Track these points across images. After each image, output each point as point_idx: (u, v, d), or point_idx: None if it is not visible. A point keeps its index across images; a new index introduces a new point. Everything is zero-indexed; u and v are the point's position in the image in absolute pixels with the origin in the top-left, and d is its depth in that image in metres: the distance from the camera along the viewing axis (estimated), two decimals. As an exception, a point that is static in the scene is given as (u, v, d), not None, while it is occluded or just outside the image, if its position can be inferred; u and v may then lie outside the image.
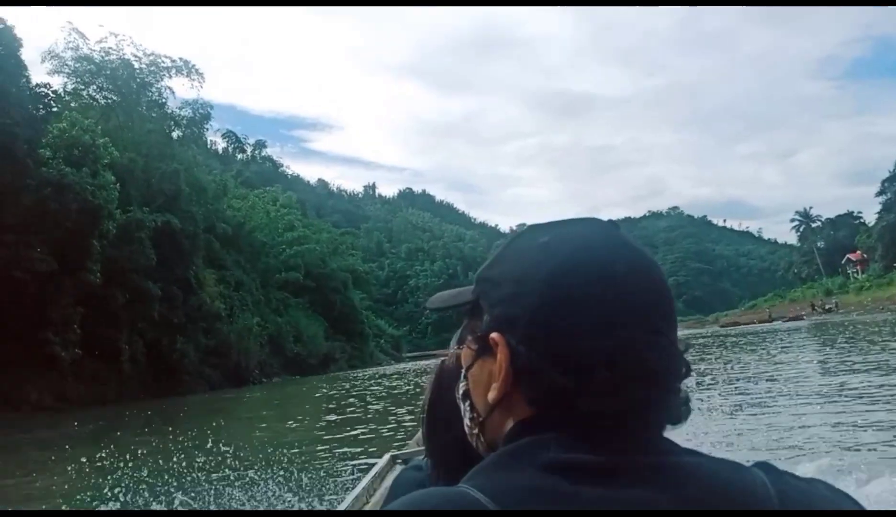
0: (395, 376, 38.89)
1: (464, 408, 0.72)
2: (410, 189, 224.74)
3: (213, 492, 6.29)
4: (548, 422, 0.60)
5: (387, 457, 3.56)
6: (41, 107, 28.79)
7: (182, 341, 36.34)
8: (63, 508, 7.81)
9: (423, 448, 3.11)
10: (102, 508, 6.38)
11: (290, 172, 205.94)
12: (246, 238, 48.65)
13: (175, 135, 46.53)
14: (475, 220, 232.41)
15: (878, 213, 72.29)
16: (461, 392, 0.73)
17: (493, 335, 0.63)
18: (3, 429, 24.79)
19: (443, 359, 1.18)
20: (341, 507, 2.84)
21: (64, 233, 26.79)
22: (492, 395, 0.65)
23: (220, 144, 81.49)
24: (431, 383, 1.18)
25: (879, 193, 71.79)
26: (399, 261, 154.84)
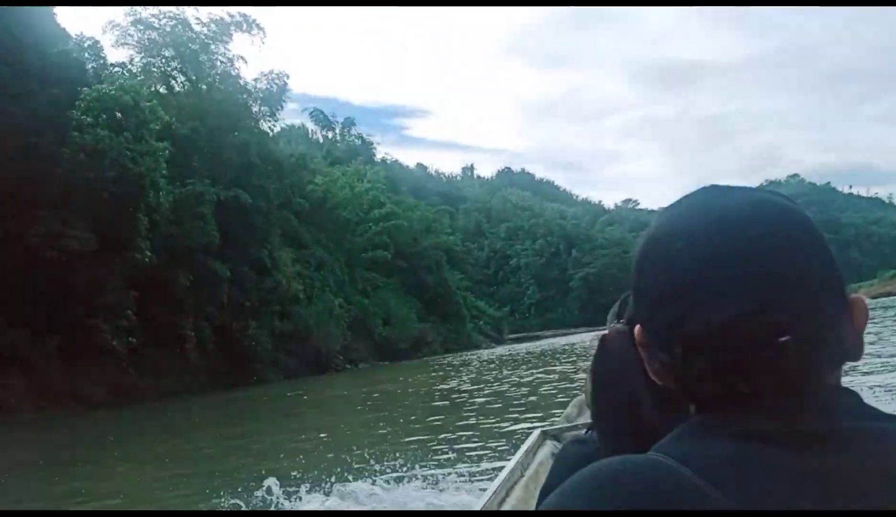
0: (494, 361, 33.73)
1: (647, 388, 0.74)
2: (509, 168, 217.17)
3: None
4: (710, 403, 0.58)
5: (537, 432, 3.62)
6: (84, 70, 25.60)
7: (254, 326, 32.68)
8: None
9: (573, 424, 3.63)
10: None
11: (388, 157, 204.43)
12: (329, 214, 44.73)
13: (255, 109, 43.25)
14: (577, 197, 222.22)
15: None
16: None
17: (636, 329, 0.64)
18: (63, 429, 21.64)
19: (604, 334, 1.10)
20: (496, 482, 2.84)
21: (103, 206, 23.35)
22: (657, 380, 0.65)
23: (309, 125, 78.15)
24: (594, 358, 1.10)
25: None
26: (499, 241, 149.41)
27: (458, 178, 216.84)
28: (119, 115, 24.43)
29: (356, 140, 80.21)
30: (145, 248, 25.16)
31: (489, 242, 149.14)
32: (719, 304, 0.55)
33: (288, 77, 44.15)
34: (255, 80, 42.75)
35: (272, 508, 6.12)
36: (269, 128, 43.02)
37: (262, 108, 43.69)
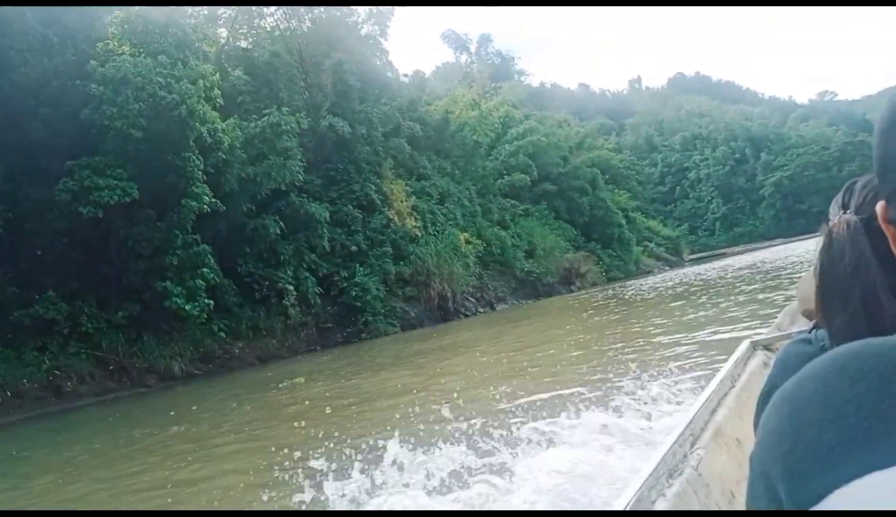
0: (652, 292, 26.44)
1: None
2: (682, 74, 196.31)
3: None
4: None
5: (746, 343, 3.51)
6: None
7: (362, 273, 27.97)
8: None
9: (785, 333, 3.46)
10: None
11: (535, 77, 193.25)
12: (452, 138, 38.72)
13: (363, 31, 38.04)
14: (763, 95, 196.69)
15: None
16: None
17: (878, 206, 0.60)
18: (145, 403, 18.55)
19: (831, 226, 1.04)
20: (706, 392, 2.74)
21: (139, 146, 19.33)
22: None
23: (444, 49, 71.94)
24: (821, 252, 1.05)
25: None
26: (674, 154, 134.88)
27: (625, 92, 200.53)
28: (150, 38, 20.02)
29: (495, 59, 72.68)
30: (203, 194, 20.85)
31: (662, 157, 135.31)
32: None
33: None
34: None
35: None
36: (373, 48, 37.46)
37: (372, 28, 38.35)
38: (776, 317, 4.26)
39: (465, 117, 40.69)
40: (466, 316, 30.59)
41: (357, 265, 28.17)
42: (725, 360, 3.31)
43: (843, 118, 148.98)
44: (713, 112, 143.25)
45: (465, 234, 33.07)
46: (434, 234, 32.20)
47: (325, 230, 27.45)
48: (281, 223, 25.91)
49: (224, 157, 22.53)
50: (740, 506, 2.11)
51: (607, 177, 61.47)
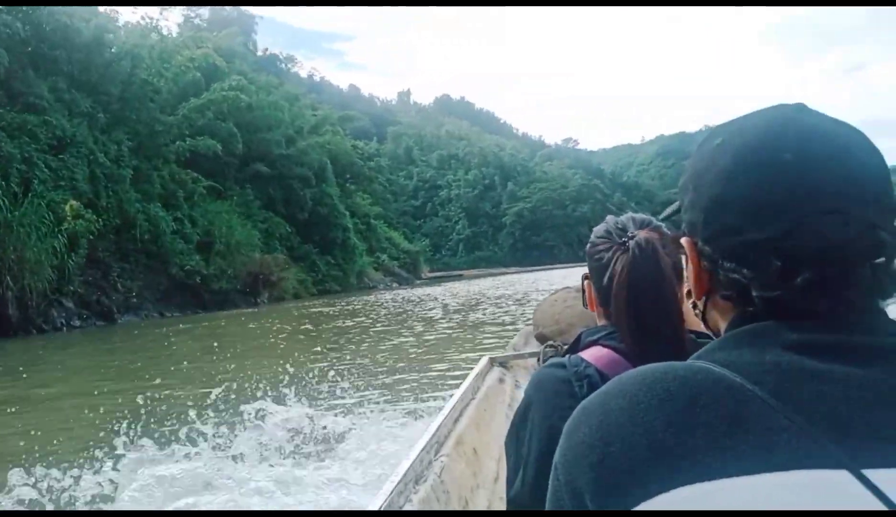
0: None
1: (688, 303, 0.72)
2: (448, 95, 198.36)
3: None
4: (752, 314, 0.57)
5: (486, 359, 3.67)
6: None
7: None
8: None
9: (519, 353, 4.02)
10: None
11: (316, 75, 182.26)
12: (107, 70, 26.29)
13: None
14: (517, 130, 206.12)
15: None
16: (685, 290, 0.71)
17: (683, 239, 0.64)
18: None
19: (642, 238, 1.15)
20: (451, 402, 2.82)
21: None
22: (694, 293, 0.64)
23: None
24: (629, 264, 1.13)
25: None
26: (429, 170, 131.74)
27: (394, 102, 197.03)
28: None
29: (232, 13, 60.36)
30: None
31: (419, 171, 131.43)
32: (834, 221, 0.53)
33: None
34: None
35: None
36: None
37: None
38: (513, 338, 4.46)
39: (135, 43, 28.27)
40: (44, 331, 18.81)
41: None
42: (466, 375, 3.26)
43: (581, 164, 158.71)
44: (472, 136, 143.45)
45: (74, 202, 21.06)
46: (21, 197, 19.92)
47: None
48: None
49: None
50: None
51: (349, 177, 52.58)
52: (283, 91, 49.05)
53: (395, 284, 50.02)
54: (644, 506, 0.49)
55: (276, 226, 38.43)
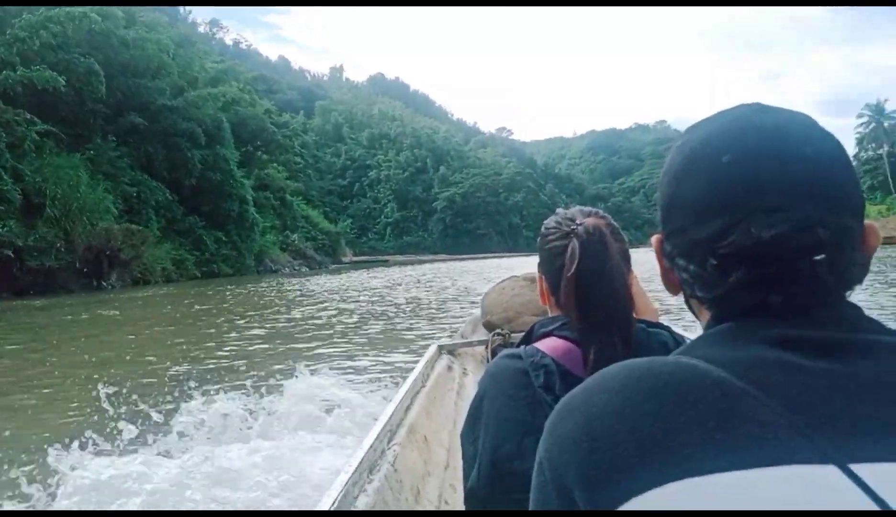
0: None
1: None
2: (382, 74, 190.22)
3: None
4: (728, 312, 0.58)
5: (434, 346, 3.62)
6: None
7: None
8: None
9: (468, 340, 3.81)
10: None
11: (243, 43, 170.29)
12: None
13: None
14: (452, 115, 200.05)
15: None
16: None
17: (653, 237, 0.65)
18: None
19: (589, 224, 1.15)
20: (402, 390, 2.72)
21: None
22: (668, 291, 0.66)
23: None
24: (579, 250, 1.12)
25: None
26: (359, 149, 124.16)
27: (326, 78, 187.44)
28: None
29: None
30: None
31: (347, 148, 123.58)
32: (769, 221, 0.54)
33: None
34: None
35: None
36: None
37: None
38: (461, 325, 4.34)
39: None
40: None
41: None
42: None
43: (515, 153, 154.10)
44: (405, 118, 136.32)
45: None
46: None
47: None
48: None
49: None
50: (426, 502, 2.16)
51: (259, 144, 45.10)
52: (174, 32, 41.10)
53: (304, 268, 43.11)
54: (636, 501, 0.49)
55: (153, 191, 30.98)
